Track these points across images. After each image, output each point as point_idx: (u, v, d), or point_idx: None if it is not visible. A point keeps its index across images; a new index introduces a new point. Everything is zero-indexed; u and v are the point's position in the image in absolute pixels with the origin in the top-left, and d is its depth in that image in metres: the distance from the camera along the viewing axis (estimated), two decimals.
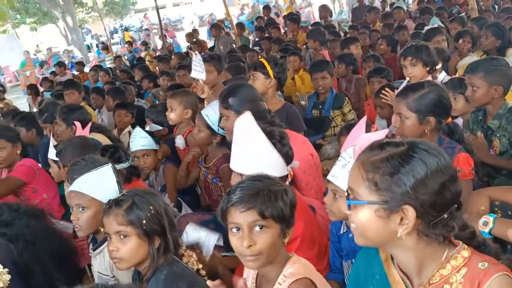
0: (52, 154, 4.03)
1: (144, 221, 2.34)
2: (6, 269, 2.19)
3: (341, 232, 2.80)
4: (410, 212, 1.52)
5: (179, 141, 4.49)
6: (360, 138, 2.06)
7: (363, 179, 1.57)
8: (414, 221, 1.53)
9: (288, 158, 2.73)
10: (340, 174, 2.39)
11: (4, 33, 31.48)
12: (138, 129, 4.42)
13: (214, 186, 4.02)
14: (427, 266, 1.63)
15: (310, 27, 11.00)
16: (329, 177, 2.54)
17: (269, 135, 2.72)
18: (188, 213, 3.95)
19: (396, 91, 3.73)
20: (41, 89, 12.38)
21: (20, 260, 2.91)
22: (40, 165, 4.95)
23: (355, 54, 6.80)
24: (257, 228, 1.99)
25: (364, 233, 1.62)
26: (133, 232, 2.35)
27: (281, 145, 2.72)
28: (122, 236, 2.36)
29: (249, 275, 2.29)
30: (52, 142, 4.09)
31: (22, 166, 4.49)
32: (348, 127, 3.73)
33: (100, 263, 2.93)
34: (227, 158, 3.87)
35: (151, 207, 2.36)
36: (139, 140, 4.32)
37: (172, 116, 4.61)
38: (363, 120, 2.56)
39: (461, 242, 1.64)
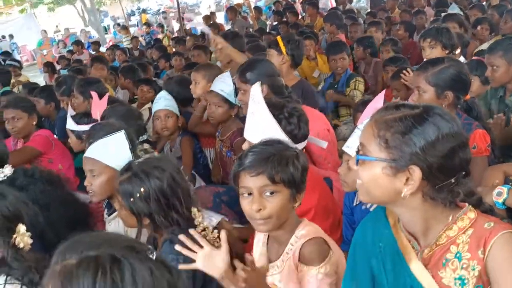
0: (70, 124, 4.06)
1: (131, 200, 2.32)
2: (29, 233, 2.21)
3: (354, 204, 2.82)
4: (416, 173, 1.53)
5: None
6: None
7: (375, 136, 1.58)
8: (419, 182, 1.54)
9: (294, 137, 2.65)
10: (355, 145, 2.38)
11: (22, 12, 31.62)
12: (164, 92, 4.47)
13: (228, 159, 4.04)
14: (433, 227, 1.64)
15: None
16: (344, 147, 2.56)
17: (278, 109, 2.69)
18: (201, 185, 3.98)
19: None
20: (57, 67, 12.44)
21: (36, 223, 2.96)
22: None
23: (374, 38, 6.78)
24: (267, 193, 2.00)
25: (369, 190, 1.64)
26: (123, 206, 2.39)
27: (287, 123, 2.66)
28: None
29: (259, 237, 2.30)
30: (70, 112, 4.12)
31: (38, 136, 4.55)
32: (364, 103, 3.72)
33: (114, 228, 2.97)
34: (241, 132, 3.90)
35: (142, 189, 2.30)
36: (164, 101, 4.38)
37: (196, 89, 4.60)
38: (382, 94, 2.56)
39: (467, 204, 1.64)
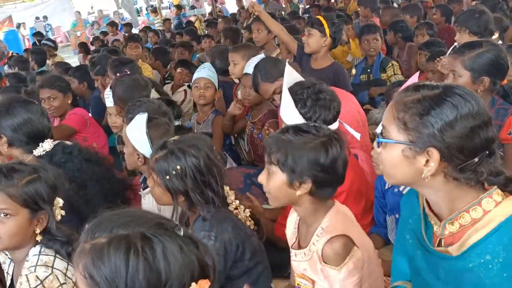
0: (109, 102, 4.11)
1: (167, 177, 2.35)
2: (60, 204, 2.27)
3: (386, 187, 2.80)
4: (434, 155, 1.51)
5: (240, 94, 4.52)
6: None
7: (394, 118, 1.57)
8: (438, 164, 1.52)
9: (309, 119, 2.68)
10: None
11: None
12: (208, 63, 4.52)
13: (259, 142, 4.04)
14: (458, 208, 1.61)
15: None
16: (377, 129, 2.54)
17: (302, 89, 2.75)
18: (233, 166, 4.01)
19: None
20: (91, 48, 12.56)
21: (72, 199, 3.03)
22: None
23: (408, 22, 6.68)
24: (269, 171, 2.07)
25: (391, 172, 1.64)
26: (157, 183, 2.43)
27: (306, 108, 2.71)
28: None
29: (292, 218, 2.32)
30: (107, 90, 4.18)
31: (74, 115, 4.62)
32: (396, 84, 3.69)
33: (148, 202, 3.02)
34: (272, 113, 3.91)
35: (179, 167, 2.33)
36: (207, 71, 4.42)
37: (235, 70, 4.60)
38: (416, 75, 2.54)
39: (495, 187, 1.61)
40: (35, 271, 2.06)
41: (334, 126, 2.70)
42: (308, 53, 4.43)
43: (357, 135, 2.81)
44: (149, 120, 2.87)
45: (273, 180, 2.04)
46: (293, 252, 2.21)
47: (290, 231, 2.29)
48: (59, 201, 2.23)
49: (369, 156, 2.78)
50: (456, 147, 1.51)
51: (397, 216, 2.70)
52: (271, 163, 2.03)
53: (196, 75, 4.43)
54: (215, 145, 4.13)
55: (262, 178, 2.10)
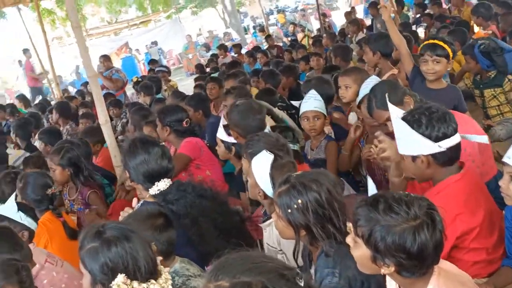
0: (221, 133, 4.21)
1: (289, 211, 2.38)
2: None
3: None
4: None
5: (352, 118, 4.46)
6: None
7: None
8: None
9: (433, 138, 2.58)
10: None
11: (169, 18, 33.43)
12: (313, 91, 4.45)
13: (377, 166, 3.94)
14: None
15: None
16: (504, 159, 2.40)
17: (412, 114, 2.65)
18: (351, 194, 3.94)
19: None
20: (207, 69, 12.93)
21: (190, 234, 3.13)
22: (206, 142, 5.21)
23: None
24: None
25: None
26: (280, 217, 2.45)
27: (423, 126, 2.58)
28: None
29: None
30: (222, 122, 4.27)
31: (188, 142, 4.74)
32: None
33: (269, 235, 3.07)
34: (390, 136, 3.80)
35: (300, 201, 2.36)
36: (314, 101, 4.36)
37: (348, 93, 4.54)
38: None
39: None
40: None
41: (454, 141, 2.60)
42: (433, 79, 4.26)
43: (484, 139, 2.73)
44: (274, 160, 2.92)
45: (358, 251, 2.02)
46: None
47: None
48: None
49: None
50: None
51: None
52: (357, 235, 2.00)
53: (303, 107, 4.38)
54: (330, 169, 4.17)
55: (349, 240, 2.08)
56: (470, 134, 2.83)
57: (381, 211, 1.91)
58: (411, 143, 2.62)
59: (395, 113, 2.73)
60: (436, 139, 2.56)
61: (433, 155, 2.59)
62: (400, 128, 2.65)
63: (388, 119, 3.49)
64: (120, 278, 2.08)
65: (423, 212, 1.90)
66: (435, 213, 1.92)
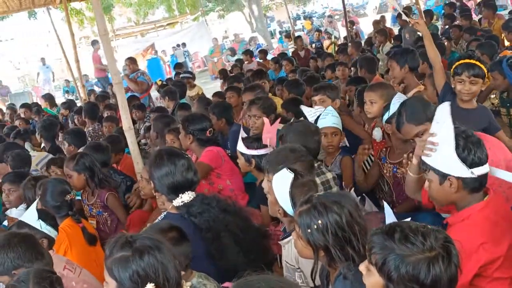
0: (240, 146, 4.21)
1: (309, 231, 2.38)
2: None
3: None
4: None
5: (377, 134, 4.43)
6: None
7: None
8: None
9: (468, 162, 2.52)
10: None
11: (195, 20, 33.65)
12: (331, 108, 4.47)
13: (397, 182, 3.90)
14: None
15: (508, 15, 10.15)
16: None
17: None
18: (372, 211, 3.89)
19: None
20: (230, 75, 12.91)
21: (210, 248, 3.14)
22: (228, 151, 5.21)
23: None
24: None
25: None
26: (300, 236, 2.45)
27: (460, 148, 2.52)
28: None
29: None
30: (242, 134, 4.26)
31: (210, 152, 4.75)
32: None
33: (288, 253, 3.05)
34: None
35: (320, 222, 2.35)
36: (331, 118, 4.39)
37: (373, 109, 4.48)
38: None
39: None
40: None
41: (485, 169, 2.55)
42: (468, 100, 4.20)
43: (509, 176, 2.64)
44: (294, 179, 2.90)
45: (370, 279, 2.01)
46: None
47: None
48: None
49: None
50: None
51: None
52: (370, 262, 1.98)
53: (322, 123, 4.37)
54: (346, 183, 4.14)
55: (362, 268, 2.06)
56: (499, 169, 2.77)
57: (397, 240, 1.90)
58: (445, 159, 2.56)
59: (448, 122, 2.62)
60: (472, 164, 2.51)
61: (464, 180, 2.53)
62: (444, 140, 2.57)
63: (417, 135, 3.45)
64: (150, 287, 2.10)
65: (439, 244, 1.88)
66: (451, 246, 1.90)
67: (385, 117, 4.02)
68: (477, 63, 4.07)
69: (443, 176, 2.56)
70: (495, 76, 5.38)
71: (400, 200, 4.00)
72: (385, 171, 4.10)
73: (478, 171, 2.52)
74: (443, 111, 2.62)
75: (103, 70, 17.61)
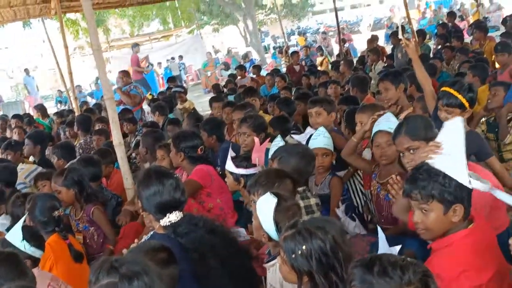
0: (229, 165, 4.20)
1: (293, 256, 2.38)
2: None
3: None
4: None
5: (367, 155, 4.45)
6: None
7: None
8: None
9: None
10: None
11: (190, 33, 33.76)
12: (323, 128, 4.49)
13: (386, 203, 3.91)
14: None
15: (499, 38, 10.19)
16: None
17: None
18: (358, 234, 3.90)
19: None
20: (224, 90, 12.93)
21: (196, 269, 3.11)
22: (218, 169, 5.20)
23: None
24: None
25: None
26: (285, 261, 2.44)
27: None
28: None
29: None
30: (231, 153, 4.26)
31: (200, 170, 4.73)
32: None
33: (272, 275, 3.04)
34: (402, 177, 3.74)
35: (304, 247, 2.35)
36: (323, 139, 4.39)
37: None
38: None
39: None
40: None
41: (486, 187, 2.54)
42: None
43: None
44: (278, 203, 2.89)
45: None
46: None
47: None
48: None
49: None
50: None
51: None
52: None
53: (312, 144, 4.37)
54: (333, 207, 4.15)
55: None
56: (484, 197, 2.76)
57: (376, 274, 1.90)
58: (454, 164, 2.56)
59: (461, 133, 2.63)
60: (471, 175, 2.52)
61: (466, 208, 2.55)
62: (456, 148, 2.58)
63: (408, 149, 3.45)
64: None
65: (417, 278, 1.89)
66: (430, 280, 1.91)
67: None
68: (454, 92, 3.97)
69: (449, 204, 2.54)
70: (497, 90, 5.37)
71: (382, 220, 3.98)
72: (371, 188, 4.11)
73: (476, 184, 2.52)
74: (456, 124, 2.65)
75: (140, 73, 17.88)
